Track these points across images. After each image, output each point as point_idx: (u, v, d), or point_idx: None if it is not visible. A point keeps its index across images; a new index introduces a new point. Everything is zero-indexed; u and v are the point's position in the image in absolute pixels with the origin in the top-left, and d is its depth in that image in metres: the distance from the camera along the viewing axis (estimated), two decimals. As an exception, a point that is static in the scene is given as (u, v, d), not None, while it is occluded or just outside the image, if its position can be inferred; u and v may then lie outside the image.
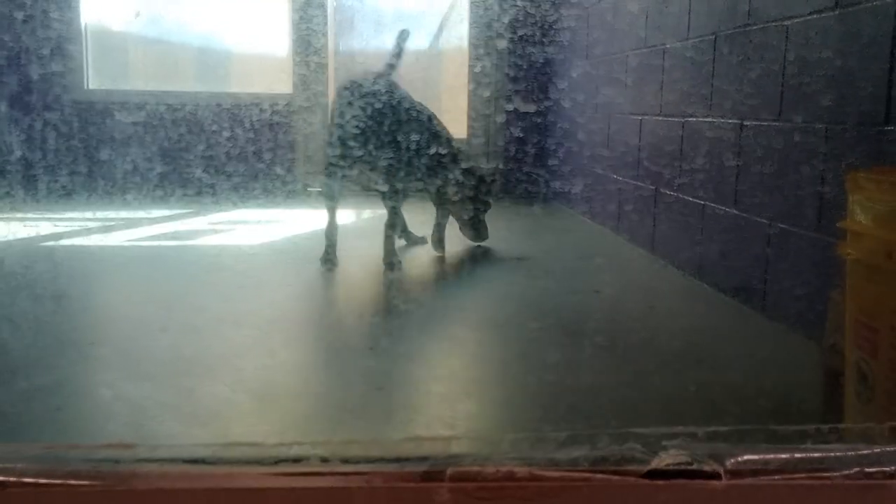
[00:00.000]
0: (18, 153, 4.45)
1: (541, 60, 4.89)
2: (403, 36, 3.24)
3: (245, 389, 1.81)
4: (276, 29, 4.80)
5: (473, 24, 4.95)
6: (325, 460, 0.66)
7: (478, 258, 3.30)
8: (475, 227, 3.41)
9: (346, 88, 3.05)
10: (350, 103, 2.93)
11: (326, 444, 0.66)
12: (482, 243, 3.44)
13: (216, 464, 0.65)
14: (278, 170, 4.69)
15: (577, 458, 0.68)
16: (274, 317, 2.41)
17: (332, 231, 3.03)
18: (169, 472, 0.64)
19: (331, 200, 3.05)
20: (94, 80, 4.65)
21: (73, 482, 0.62)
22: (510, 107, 4.96)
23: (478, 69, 4.98)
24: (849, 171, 1.45)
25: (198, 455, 0.65)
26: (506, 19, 4.72)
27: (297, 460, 0.65)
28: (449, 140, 3.27)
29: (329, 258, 3.01)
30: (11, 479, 0.62)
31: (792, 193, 2.15)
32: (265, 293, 2.71)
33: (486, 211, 3.43)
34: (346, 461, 0.66)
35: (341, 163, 2.99)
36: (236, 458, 0.66)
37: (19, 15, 4.36)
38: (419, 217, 3.42)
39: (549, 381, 1.83)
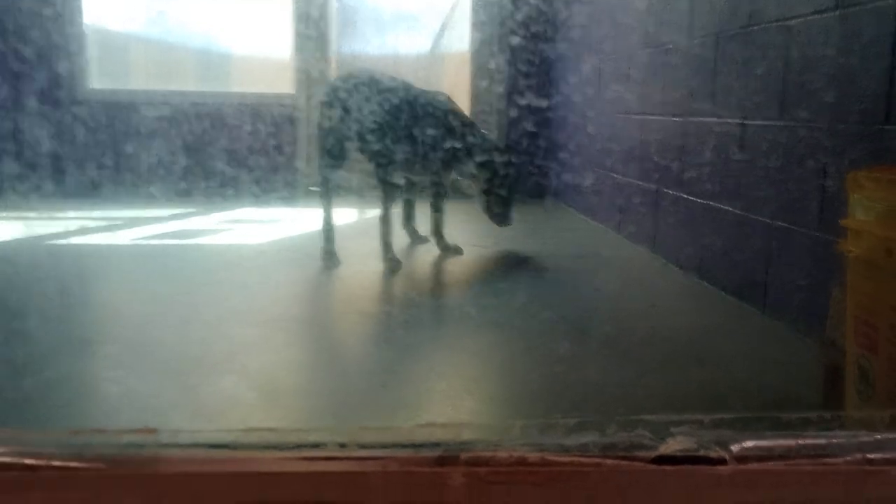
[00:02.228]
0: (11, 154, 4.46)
1: (538, 60, 4.91)
2: None
3: (251, 386, 1.82)
4: (278, 29, 4.81)
5: (475, 23, 4.96)
6: (342, 445, 0.68)
7: (479, 257, 3.31)
8: (503, 212, 3.38)
9: (335, 85, 3.06)
10: (342, 99, 2.94)
11: (343, 430, 0.68)
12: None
13: (238, 448, 0.67)
14: (281, 169, 4.71)
15: (586, 443, 0.70)
16: (279, 314, 2.43)
17: (328, 228, 3.05)
18: (193, 457, 0.66)
19: (325, 198, 3.07)
20: (98, 79, 4.66)
21: (99, 466, 0.64)
22: (508, 105, 4.98)
23: (478, 67, 4.99)
24: (850, 169, 1.47)
25: (220, 440, 0.67)
26: (502, 17, 4.73)
27: (315, 445, 0.67)
28: (466, 124, 3.24)
29: (329, 255, 3.02)
30: (41, 462, 0.63)
31: (794, 192, 2.17)
32: (270, 291, 2.73)
33: (512, 195, 3.40)
34: (362, 446, 0.68)
35: (335, 161, 3.01)
36: (257, 444, 0.68)
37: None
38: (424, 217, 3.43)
39: (551, 380, 1.84)
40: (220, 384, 1.84)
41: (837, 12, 1.97)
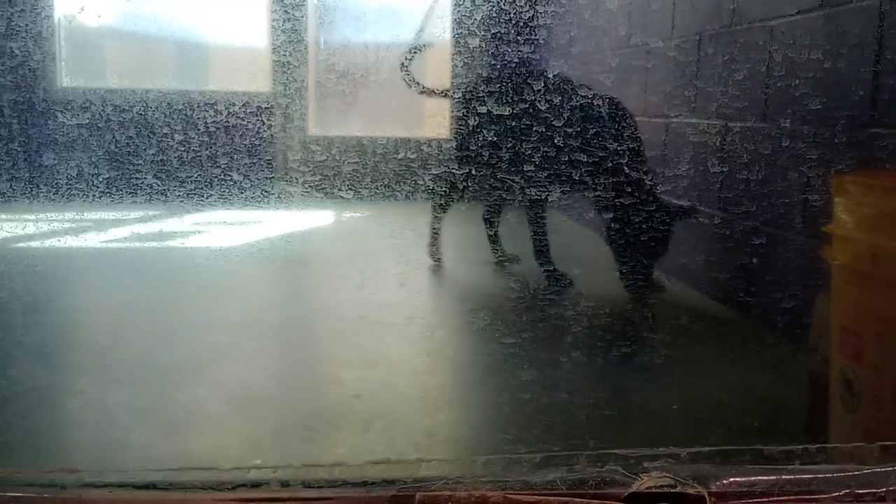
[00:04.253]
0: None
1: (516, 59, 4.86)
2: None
3: (219, 396, 1.77)
4: (254, 23, 4.75)
5: (456, 20, 4.91)
6: (285, 485, 0.62)
7: (457, 265, 3.26)
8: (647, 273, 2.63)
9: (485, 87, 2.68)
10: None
11: (287, 467, 0.63)
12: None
13: (169, 489, 0.61)
14: (255, 170, 4.64)
15: (553, 480, 0.65)
16: (252, 320, 2.37)
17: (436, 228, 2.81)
18: (118, 499, 0.60)
19: (441, 212, 2.80)
20: (68, 76, 4.57)
21: (15, 510, 0.58)
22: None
23: (459, 67, 4.94)
24: (835, 174, 1.44)
25: (149, 480, 0.61)
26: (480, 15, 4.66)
27: (255, 485, 0.62)
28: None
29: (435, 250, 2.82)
30: (-52, 507, 0.58)
31: (778, 197, 2.13)
32: (240, 297, 2.67)
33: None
34: (308, 486, 0.62)
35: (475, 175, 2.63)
36: (190, 483, 0.62)
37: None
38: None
39: (525, 396, 1.79)
40: (190, 394, 1.79)
41: (822, 12, 1.93)
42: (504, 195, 2.69)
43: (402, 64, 2.92)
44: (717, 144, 2.47)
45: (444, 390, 1.92)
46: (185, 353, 2.03)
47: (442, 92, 3.12)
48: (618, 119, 2.50)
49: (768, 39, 2.16)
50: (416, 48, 2.95)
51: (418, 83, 2.95)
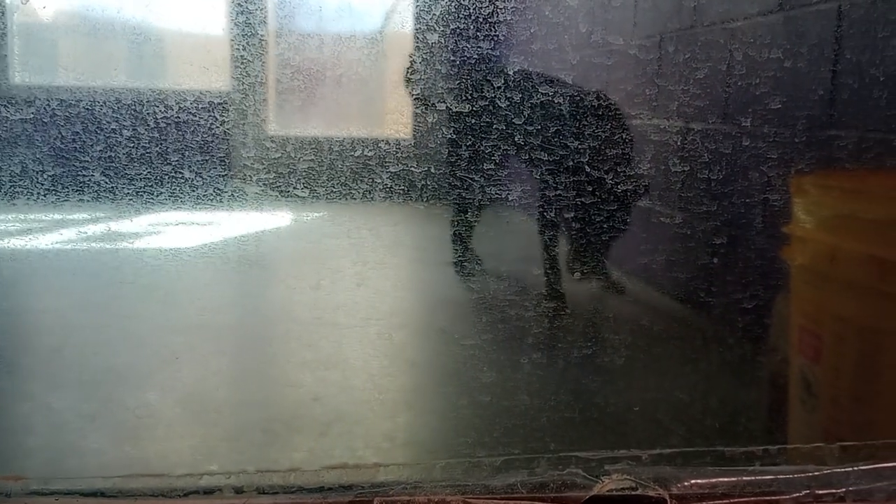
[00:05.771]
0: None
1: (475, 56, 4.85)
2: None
3: (174, 399, 1.74)
4: (210, 17, 4.69)
5: (417, 15, 4.89)
6: (239, 491, 0.60)
7: (416, 266, 3.24)
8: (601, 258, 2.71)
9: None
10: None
11: (241, 473, 0.61)
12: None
13: (118, 497, 0.59)
14: (208, 168, 4.58)
15: (514, 484, 0.64)
16: (202, 323, 2.33)
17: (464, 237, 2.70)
18: (64, 508, 0.58)
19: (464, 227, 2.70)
20: (20, 73, 4.47)
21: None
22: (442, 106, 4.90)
23: (418, 64, 4.92)
24: (794, 174, 1.45)
25: (97, 487, 0.59)
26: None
27: (208, 492, 0.60)
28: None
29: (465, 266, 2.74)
30: None
31: (739, 197, 2.14)
32: (192, 298, 2.62)
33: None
34: (262, 492, 0.61)
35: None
36: (140, 491, 0.60)
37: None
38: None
39: (484, 399, 1.78)
40: (141, 398, 1.75)
41: (781, 14, 1.95)
42: (465, 195, 2.64)
43: (406, 78, 2.83)
44: (678, 144, 2.48)
45: (403, 393, 1.91)
46: (136, 356, 1.99)
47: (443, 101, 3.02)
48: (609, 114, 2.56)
49: (729, 39, 2.17)
50: (412, 60, 2.86)
51: (423, 98, 2.87)
